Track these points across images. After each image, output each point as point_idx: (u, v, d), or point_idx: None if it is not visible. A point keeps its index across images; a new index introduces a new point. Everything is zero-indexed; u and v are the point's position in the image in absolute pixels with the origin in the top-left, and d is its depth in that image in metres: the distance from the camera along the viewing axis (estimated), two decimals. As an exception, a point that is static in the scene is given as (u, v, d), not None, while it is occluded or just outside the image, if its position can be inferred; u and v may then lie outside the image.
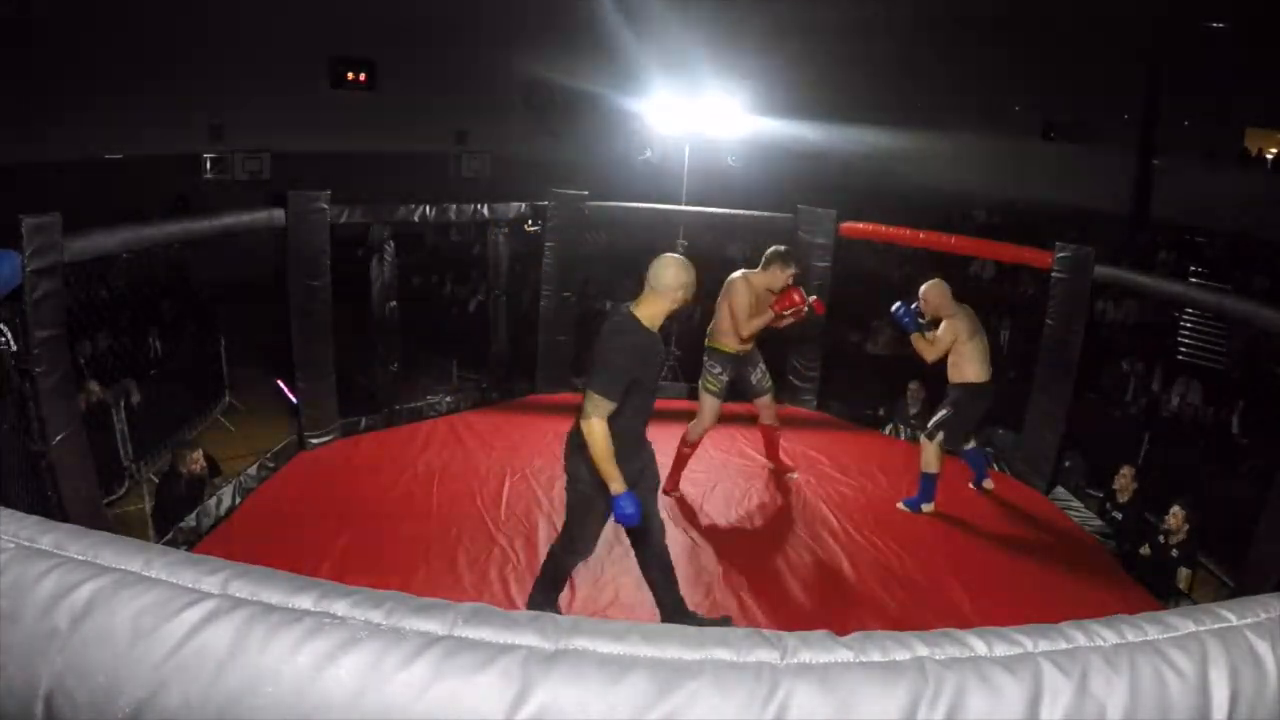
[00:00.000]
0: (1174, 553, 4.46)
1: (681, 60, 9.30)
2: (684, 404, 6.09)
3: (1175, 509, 4.54)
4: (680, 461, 4.70)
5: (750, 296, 4.45)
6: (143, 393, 6.62)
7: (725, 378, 4.58)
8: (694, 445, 4.68)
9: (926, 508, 4.67)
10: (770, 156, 11.01)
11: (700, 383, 4.64)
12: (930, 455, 4.63)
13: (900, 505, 4.72)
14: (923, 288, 4.61)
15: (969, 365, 4.56)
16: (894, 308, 4.64)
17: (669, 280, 2.85)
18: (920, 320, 4.60)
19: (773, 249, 4.55)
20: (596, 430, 2.76)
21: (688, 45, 10.09)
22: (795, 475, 5.02)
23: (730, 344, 4.56)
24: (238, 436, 6.96)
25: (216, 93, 11.55)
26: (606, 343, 2.85)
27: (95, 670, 0.71)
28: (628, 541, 4.16)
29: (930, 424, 4.69)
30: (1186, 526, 4.49)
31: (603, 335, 2.90)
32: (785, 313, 4.45)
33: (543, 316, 6.03)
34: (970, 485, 5.07)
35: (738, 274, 4.54)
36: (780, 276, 4.46)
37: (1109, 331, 8.99)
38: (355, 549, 3.94)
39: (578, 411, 2.84)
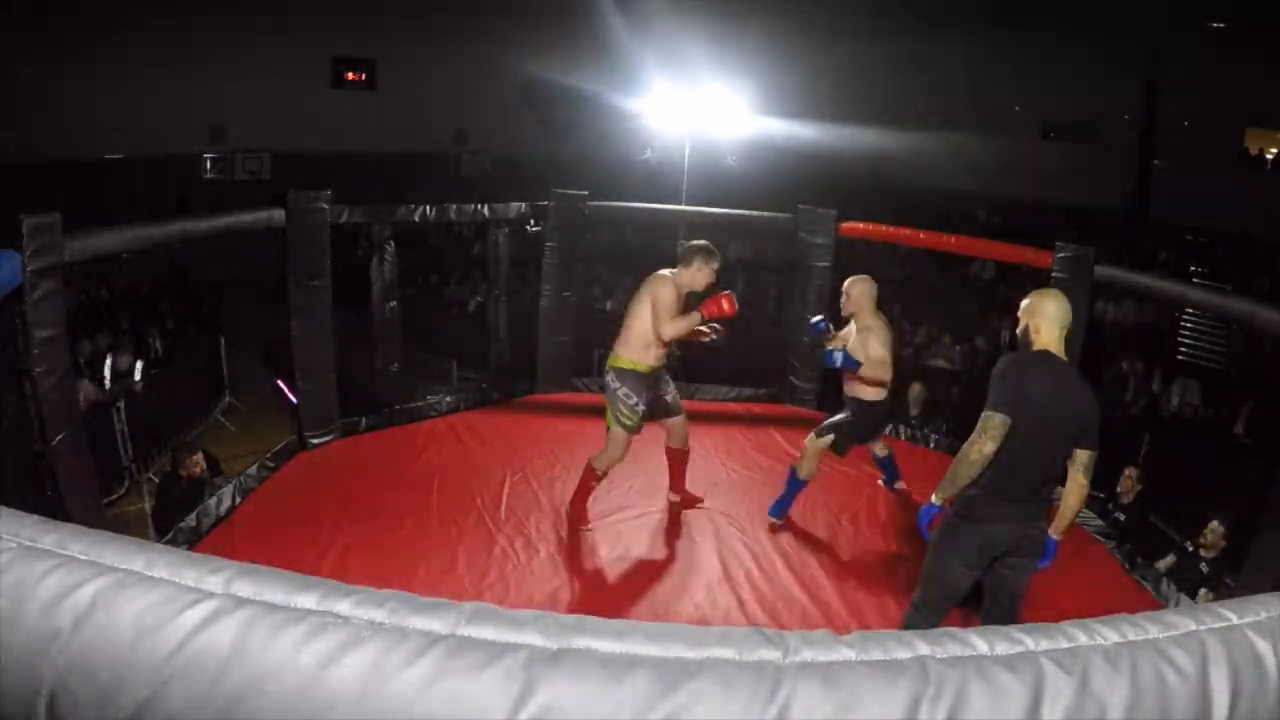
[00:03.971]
0: (1204, 568, 4.42)
1: (682, 60, 9.30)
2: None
3: (1214, 524, 4.46)
4: (587, 492, 4.23)
5: (675, 295, 3.90)
6: (144, 378, 6.61)
7: (642, 406, 3.96)
8: (600, 478, 4.21)
9: (778, 520, 4.36)
10: (770, 156, 11.02)
11: (609, 412, 4.00)
12: (811, 460, 4.26)
13: (771, 517, 4.39)
14: (849, 282, 4.25)
15: (868, 383, 4.18)
16: (827, 355, 4.11)
17: (1069, 313, 2.78)
18: (831, 337, 4.30)
19: (694, 243, 4.01)
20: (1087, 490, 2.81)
21: (688, 44, 10.09)
22: (705, 504, 4.55)
23: (643, 359, 3.94)
24: (238, 436, 6.97)
25: (216, 93, 11.55)
26: (1095, 399, 2.73)
27: (98, 670, 0.71)
28: (628, 542, 4.17)
29: (825, 424, 4.30)
30: (1223, 544, 4.44)
31: (1086, 390, 2.72)
32: (712, 321, 3.91)
33: (543, 316, 6.03)
34: (881, 484, 4.88)
35: (662, 271, 3.98)
36: (702, 274, 3.94)
37: (1109, 331, 8.99)
38: (355, 549, 3.94)
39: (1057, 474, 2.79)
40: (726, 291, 3.87)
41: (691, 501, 4.53)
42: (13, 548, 0.77)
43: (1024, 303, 2.82)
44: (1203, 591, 4.28)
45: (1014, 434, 2.61)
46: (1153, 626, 0.80)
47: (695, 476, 4.88)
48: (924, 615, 2.94)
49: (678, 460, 4.47)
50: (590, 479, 4.19)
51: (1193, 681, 0.76)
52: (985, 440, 2.61)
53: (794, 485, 4.33)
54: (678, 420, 4.29)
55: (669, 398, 4.21)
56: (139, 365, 6.46)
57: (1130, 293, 8.06)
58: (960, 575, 2.82)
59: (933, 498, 2.83)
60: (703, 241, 4.01)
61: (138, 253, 4.10)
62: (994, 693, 0.71)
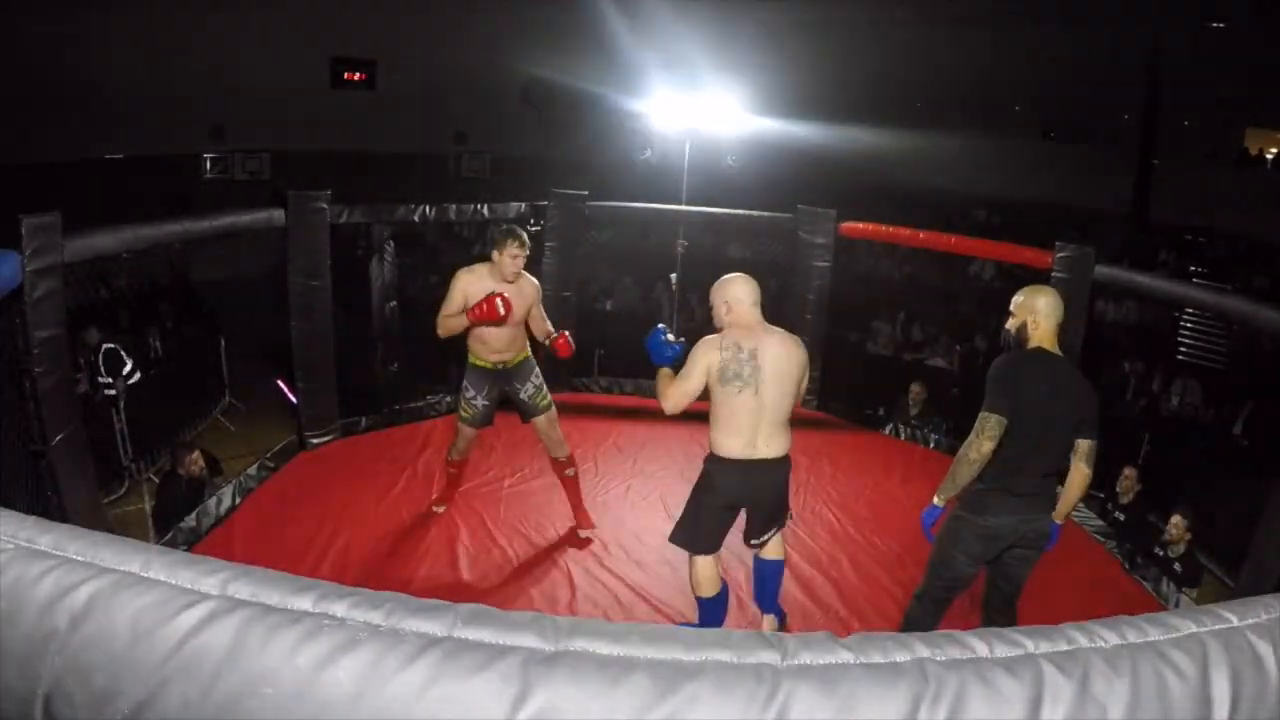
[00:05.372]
0: (1176, 567, 4.42)
1: (681, 60, 9.30)
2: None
3: (1176, 519, 4.45)
4: (450, 480, 4.32)
5: (460, 290, 3.68)
6: (133, 377, 6.58)
7: (480, 401, 3.89)
8: (456, 465, 4.23)
9: None
10: (770, 156, 11.01)
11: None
12: (693, 573, 3.15)
13: None
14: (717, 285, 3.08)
15: (721, 425, 2.95)
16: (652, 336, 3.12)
17: (1062, 308, 2.81)
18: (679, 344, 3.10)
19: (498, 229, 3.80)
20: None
21: (687, 45, 10.09)
22: (587, 533, 4.16)
23: (480, 354, 3.84)
24: (238, 436, 6.96)
25: (216, 93, 11.55)
26: (1091, 390, 2.79)
27: (94, 671, 0.70)
28: (627, 543, 4.17)
29: (675, 537, 3.17)
30: (1188, 537, 4.43)
31: (1083, 382, 2.79)
32: (480, 321, 3.62)
33: (542, 316, 6.02)
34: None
35: (469, 266, 3.85)
36: (506, 260, 3.65)
37: (1109, 331, 8.99)
38: (355, 549, 3.94)
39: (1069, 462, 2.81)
40: (494, 292, 3.58)
41: (586, 523, 4.18)
42: (10, 548, 0.77)
43: (1016, 299, 2.85)
44: (1184, 592, 4.28)
45: (1015, 432, 2.66)
46: (1153, 628, 0.80)
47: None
48: (927, 607, 2.98)
49: (560, 473, 4.12)
50: (446, 465, 4.28)
51: (1193, 684, 0.76)
52: (983, 440, 2.67)
53: (704, 608, 3.22)
54: (542, 424, 3.97)
55: (524, 396, 3.94)
56: (129, 364, 6.41)
57: (1130, 293, 8.05)
58: (964, 567, 2.86)
59: (935, 499, 2.85)
60: (503, 226, 3.82)
61: (138, 253, 4.09)
62: (993, 695, 0.71)
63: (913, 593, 3.08)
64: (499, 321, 3.62)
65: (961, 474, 2.73)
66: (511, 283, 3.71)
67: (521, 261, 3.71)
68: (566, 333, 3.93)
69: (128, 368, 6.37)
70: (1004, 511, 2.76)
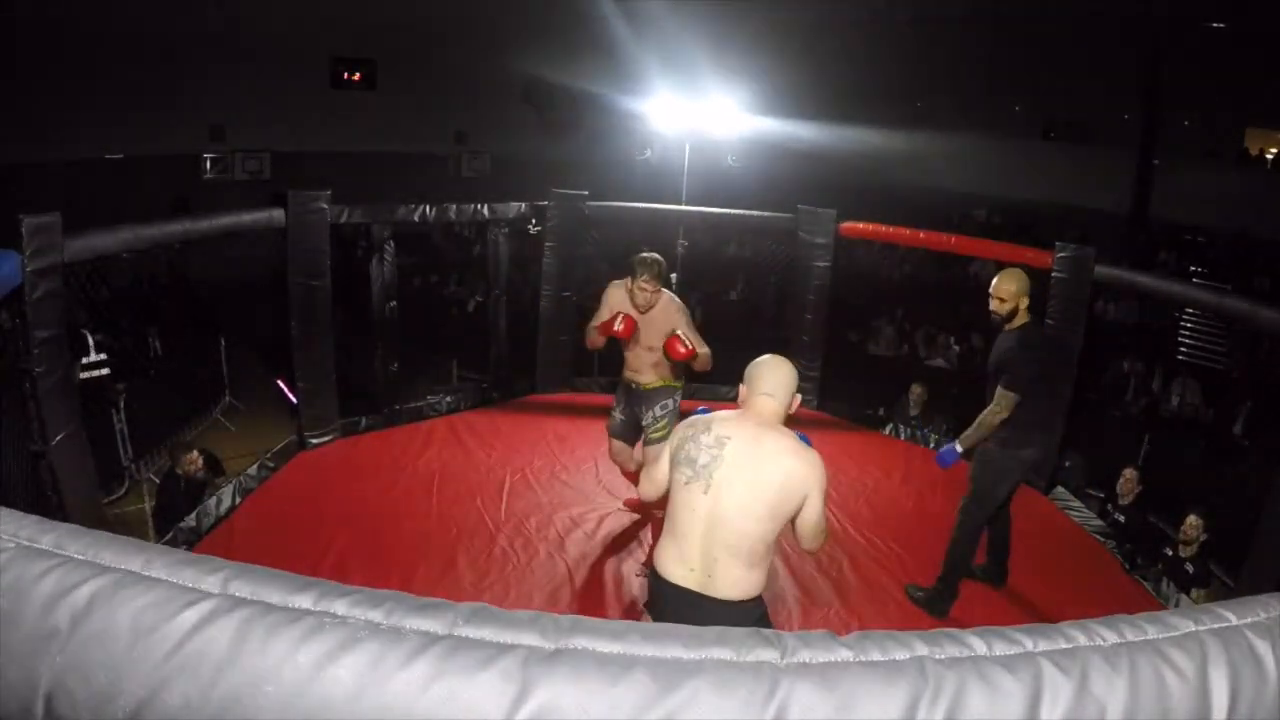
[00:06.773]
0: (1188, 568, 4.42)
1: (682, 60, 9.30)
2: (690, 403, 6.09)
3: (1192, 518, 4.45)
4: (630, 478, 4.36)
5: (608, 306, 3.87)
6: (137, 386, 6.56)
7: (618, 414, 4.03)
8: (624, 470, 4.30)
9: None
10: (770, 156, 11.02)
11: None
12: None
13: None
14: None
15: (665, 525, 2.32)
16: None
17: (1028, 283, 3.46)
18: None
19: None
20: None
21: (688, 45, 10.09)
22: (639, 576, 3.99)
23: (624, 368, 3.95)
24: (238, 436, 6.96)
25: (216, 93, 11.55)
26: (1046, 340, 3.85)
27: (95, 670, 0.71)
28: (628, 542, 4.17)
29: None
30: (1203, 538, 4.43)
31: (1048, 335, 3.76)
32: (607, 334, 3.82)
33: (543, 316, 6.02)
34: None
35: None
36: (637, 289, 3.73)
37: (1109, 331, 8.99)
38: (355, 549, 3.94)
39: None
40: (623, 314, 3.75)
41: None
42: (11, 547, 0.77)
43: (1007, 288, 3.40)
44: (1194, 592, 4.27)
45: (1036, 391, 3.43)
46: (1151, 627, 0.80)
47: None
48: (971, 535, 3.67)
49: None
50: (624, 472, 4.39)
51: (1192, 682, 0.76)
52: (1002, 412, 3.39)
53: None
54: (649, 453, 3.87)
55: (645, 421, 3.92)
56: (97, 355, 6.33)
57: (1130, 293, 8.06)
58: (1005, 493, 3.63)
59: (956, 445, 3.54)
60: (642, 254, 3.80)
61: (138, 252, 4.09)
62: (992, 693, 0.71)
63: (951, 538, 3.65)
64: (617, 338, 3.79)
65: (982, 435, 3.47)
66: (642, 312, 3.77)
67: (647, 295, 3.73)
68: (679, 334, 3.68)
69: (90, 357, 6.28)
70: (1034, 445, 3.55)
